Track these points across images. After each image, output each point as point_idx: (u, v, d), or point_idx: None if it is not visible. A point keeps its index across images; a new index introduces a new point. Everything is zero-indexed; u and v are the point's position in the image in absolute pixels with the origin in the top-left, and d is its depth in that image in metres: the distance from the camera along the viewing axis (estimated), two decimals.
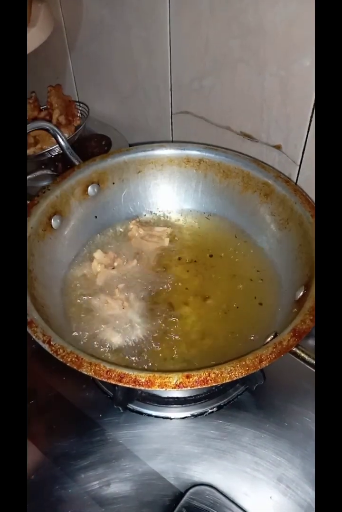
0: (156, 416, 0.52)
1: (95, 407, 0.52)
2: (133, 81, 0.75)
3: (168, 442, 0.49)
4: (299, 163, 0.63)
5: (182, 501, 0.44)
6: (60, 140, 0.61)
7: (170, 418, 0.52)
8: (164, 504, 0.45)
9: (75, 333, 0.50)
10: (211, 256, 0.59)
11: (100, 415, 0.52)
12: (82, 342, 0.50)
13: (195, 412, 0.52)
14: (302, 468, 0.47)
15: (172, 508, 0.44)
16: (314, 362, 0.42)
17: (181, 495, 0.45)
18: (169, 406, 0.52)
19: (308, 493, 0.46)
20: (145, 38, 0.68)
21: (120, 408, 0.51)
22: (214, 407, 0.52)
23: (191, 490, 0.45)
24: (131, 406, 0.52)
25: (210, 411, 0.52)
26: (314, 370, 0.42)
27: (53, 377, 0.55)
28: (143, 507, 0.45)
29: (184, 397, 0.52)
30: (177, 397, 0.52)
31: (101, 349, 0.49)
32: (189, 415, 0.52)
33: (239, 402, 0.53)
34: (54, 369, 0.55)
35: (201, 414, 0.52)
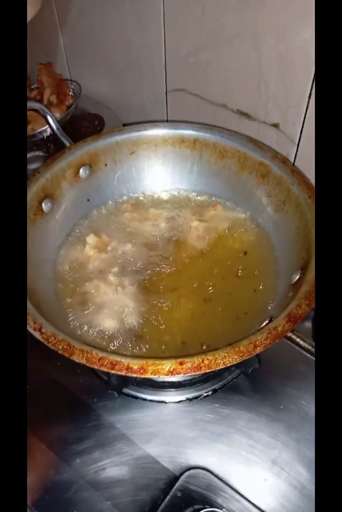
0: (151, 400, 0.52)
1: (90, 392, 0.52)
2: (126, 56, 0.72)
3: (163, 426, 0.50)
4: (297, 142, 0.61)
5: (177, 484, 0.44)
6: (50, 121, 0.59)
7: (165, 402, 0.52)
8: (159, 488, 0.45)
9: (67, 319, 0.50)
10: (206, 239, 0.58)
11: (95, 400, 0.52)
12: (74, 329, 0.49)
13: (190, 395, 0.52)
14: (297, 451, 0.47)
15: (167, 492, 0.44)
16: (309, 347, 0.41)
17: (176, 478, 0.45)
18: (164, 390, 0.52)
19: (302, 474, 0.46)
20: (138, 11, 0.66)
21: (115, 393, 0.51)
22: (209, 390, 0.52)
23: (186, 473, 0.45)
24: (126, 390, 0.52)
25: (205, 394, 0.52)
26: (309, 354, 0.42)
27: (47, 362, 0.55)
28: (139, 491, 0.45)
29: (179, 381, 0.52)
30: (172, 381, 0.52)
31: (94, 335, 0.49)
32: (184, 399, 0.52)
33: (234, 385, 0.53)
34: (48, 355, 0.54)
35: (196, 397, 0.52)
